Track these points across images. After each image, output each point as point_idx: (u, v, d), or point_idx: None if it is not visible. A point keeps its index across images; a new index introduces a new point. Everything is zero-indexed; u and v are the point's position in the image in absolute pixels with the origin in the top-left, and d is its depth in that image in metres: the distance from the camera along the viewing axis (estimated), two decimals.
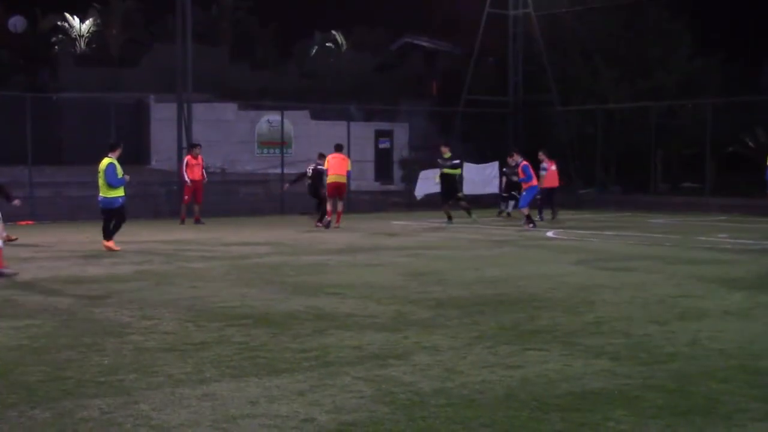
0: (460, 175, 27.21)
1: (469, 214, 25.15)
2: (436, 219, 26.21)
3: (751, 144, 39.16)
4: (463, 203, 25.45)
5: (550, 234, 21.47)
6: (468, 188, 35.27)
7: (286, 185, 26.78)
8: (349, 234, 21.57)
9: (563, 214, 28.65)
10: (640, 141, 36.80)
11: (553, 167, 28.04)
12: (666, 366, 7.18)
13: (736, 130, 38.71)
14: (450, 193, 25.20)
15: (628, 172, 38.97)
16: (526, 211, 23.85)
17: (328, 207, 23.58)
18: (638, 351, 7.73)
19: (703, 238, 20.05)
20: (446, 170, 24.79)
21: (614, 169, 39.06)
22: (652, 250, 17.40)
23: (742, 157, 40.30)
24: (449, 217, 24.87)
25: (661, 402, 6.11)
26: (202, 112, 33.11)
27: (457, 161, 25.34)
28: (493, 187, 35.54)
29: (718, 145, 36.72)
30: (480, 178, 35.86)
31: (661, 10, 41.11)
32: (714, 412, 5.87)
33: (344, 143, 27.09)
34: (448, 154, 24.88)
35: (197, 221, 24.84)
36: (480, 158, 36.66)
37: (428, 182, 32.64)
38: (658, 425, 5.60)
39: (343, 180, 24.01)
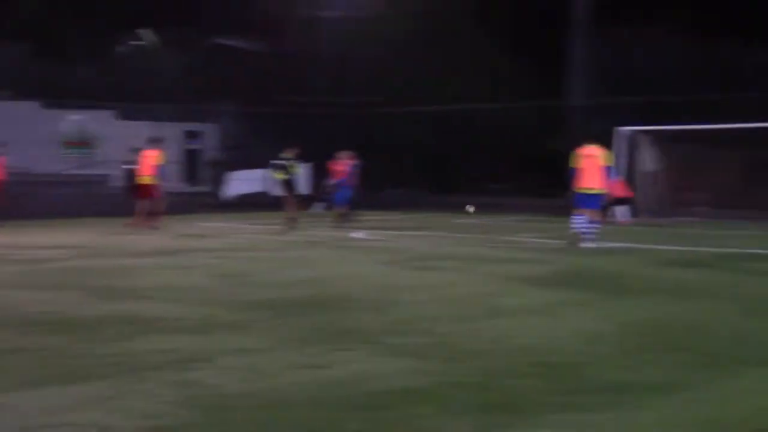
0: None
1: (293, 220, 23.90)
2: (251, 221, 26.04)
3: (553, 146, 40.66)
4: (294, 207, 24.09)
5: (360, 235, 21.67)
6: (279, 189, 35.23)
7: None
8: (158, 236, 21.15)
9: (375, 215, 29.00)
10: (449, 142, 37.68)
11: (349, 167, 28.16)
12: (470, 363, 7.34)
13: (540, 133, 40.15)
14: (293, 193, 24.17)
15: (436, 173, 39.81)
16: (341, 210, 24.23)
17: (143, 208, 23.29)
18: (444, 349, 7.88)
19: (508, 238, 20.69)
20: (294, 169, 24.07)
21: (423, 169, 39.82)
22: (459, 250, 17.81)
23: (545, 159, 41.82)
24: (293, 219, 23.91)
25: (465, 398, 6.23)
26: (1, 110, 31.79)
27: (296, 161, 24.37)
28: (306, 189, 35.55)
29: (522, 147, 38.02)
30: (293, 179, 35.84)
31: (470, 15, 42.16)
32: (514, 406, 6.04)
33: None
34: (291, 155, 24.09)
35: None
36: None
37: (240, 183, 32.44)
38: (462, 421, 5.71)
39: (146, 181, 23.62)
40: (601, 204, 18.58)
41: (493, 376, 6.87)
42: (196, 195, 35.49)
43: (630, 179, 30.40)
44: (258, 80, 44.02)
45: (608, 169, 18.36)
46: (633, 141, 30.42)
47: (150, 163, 23.51)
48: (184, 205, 32.17)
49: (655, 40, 43.34)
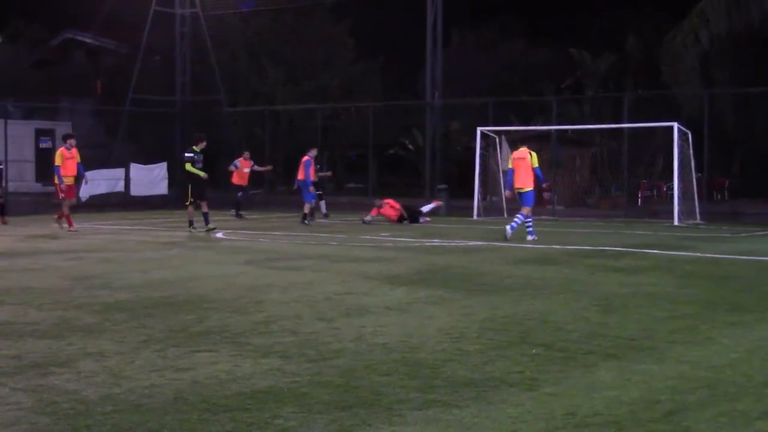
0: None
1: (201, 223, 21.96)
2: (108, 222, 25.43)
3: (409, 146, 41.18)
4: (204, 205, 21.91)
5: (219, 235, 21.45)
6: (135, 190, 34.65)
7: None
8: (8, 237, 20.50)
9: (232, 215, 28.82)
10: (306, 142, 37.60)
11: (247, 168, 29.24)
12: (333, 362, 7.36)
13: (396, 133, 40.55)
14: (202, 192, 21.99)
15: (295, 173, 39.70)
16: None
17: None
18: (306, 348, 7.87)
19: (367, 237, 20.82)
20: (200, 166, 21.81)
21: (282, 169, 39.69)
22: (319, 249, 17.83)
23: (402, 159, 42.33)
24: (191, 223, 22.09)
25: (328, 397, 6.25)
26: None
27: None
28: (161, 189, 35.09)
29: (380, 147, 38.29)
30: (148, 179, 35.30)
31: (326, 15, 42.30)
32: (377, 404, 6.08)
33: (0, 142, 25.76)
34: (198, 148, 21.93)
35: None
36: (147, 159, 36.04)
37: (95, 183, 31.69)
38: (325, 420, 5.72)
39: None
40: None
41: (355, 375, 6.91)
42: (48, 195, 34.49)
43: (488, 177, 31.08)
44: (112, 77, 43.11)
45: (538, 169, 19.85)
46: (492, 140, 31.05)
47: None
48: (35, 206, 31.26)
49: (503, 43, 44.50)
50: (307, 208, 25.98)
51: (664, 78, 34.16)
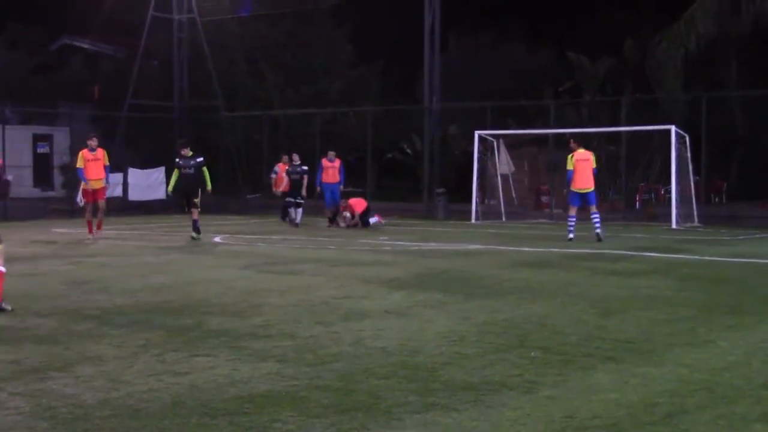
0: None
1: (197, 231, 21.21)
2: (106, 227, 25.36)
3: (408, 150, 41.18)
4: (196, 212, 21.25)
5: (217, 239, 21.43)
6: (134, 194, 34.65)
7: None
8: (6, 243, 20.44)
9: (233, 219, 28.77)
10: (306, 146, 37.63)
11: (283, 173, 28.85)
12: (331, 366, 7.36)
13: (395, 137, 40.56)
14: (190, 198, 21.24)
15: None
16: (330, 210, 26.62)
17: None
18: (304, 352, 7.87)
19: (365, 241, 20.81)
20: (189, 171, 21.15)
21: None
22: (317, 253, 17.83)
23: (400, 163, 42.33)
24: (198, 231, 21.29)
25: (327, 401, 6.25)
26: None
27: (201, 159, 21.33)
28: (160, 193, 35.02)
29: (378, 151, 38.27)
30: (146, 183, 35.31)
31: (325, 19, 42.33)
32: (376, 408, 6.08)
33: None
34: (190, 153, 21.33)
35: None
36: (145, 164, 36.04)
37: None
38: (324, 423, 5.72)
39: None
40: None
41: (354, 378, 6.91)
42: (46, 200, 34.51)
43: (486, 181, 31.07)
44: (110, 82, 43.07)
45: (596, 170, 20.74)
46: (490, 144, 31.08)
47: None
48: (33, 211, 31.22)
49: (501, 47, 44.53)
50: (328, 213, 26.82)
51: (650, 83, 34.18)
